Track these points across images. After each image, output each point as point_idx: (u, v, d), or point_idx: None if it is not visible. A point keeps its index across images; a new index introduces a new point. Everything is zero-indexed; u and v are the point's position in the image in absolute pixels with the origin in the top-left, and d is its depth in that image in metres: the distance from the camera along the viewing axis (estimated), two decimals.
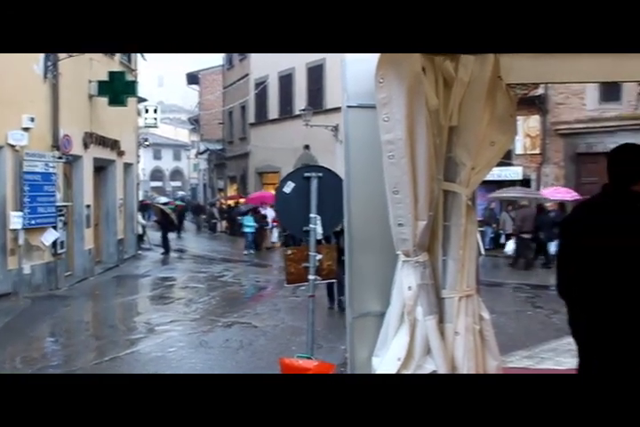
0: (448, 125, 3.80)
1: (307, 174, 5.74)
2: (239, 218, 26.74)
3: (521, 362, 7.29)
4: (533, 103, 21.59)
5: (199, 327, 10.50)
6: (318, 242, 5.90)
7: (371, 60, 3.52)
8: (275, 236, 24.74)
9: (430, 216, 3.67)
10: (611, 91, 20.14)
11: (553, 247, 17.19)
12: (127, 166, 20.99)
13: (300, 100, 27.53)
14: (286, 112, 29.20)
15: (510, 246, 19.11)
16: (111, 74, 16.68)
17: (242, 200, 33.09)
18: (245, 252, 23.22)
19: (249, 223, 23.73)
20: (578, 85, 20.08)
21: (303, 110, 24.82)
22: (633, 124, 19.68)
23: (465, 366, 3.83)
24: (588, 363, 3.70)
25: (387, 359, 3.80)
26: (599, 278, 3.51)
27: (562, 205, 19.32)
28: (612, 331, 3.52)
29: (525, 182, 22.13)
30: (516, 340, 8.35)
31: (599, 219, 3.54)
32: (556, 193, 20.05)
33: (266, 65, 29.47)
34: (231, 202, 34.38)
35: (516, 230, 18.82)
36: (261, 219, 24.33)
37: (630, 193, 3.51)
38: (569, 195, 19.70)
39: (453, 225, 3.81)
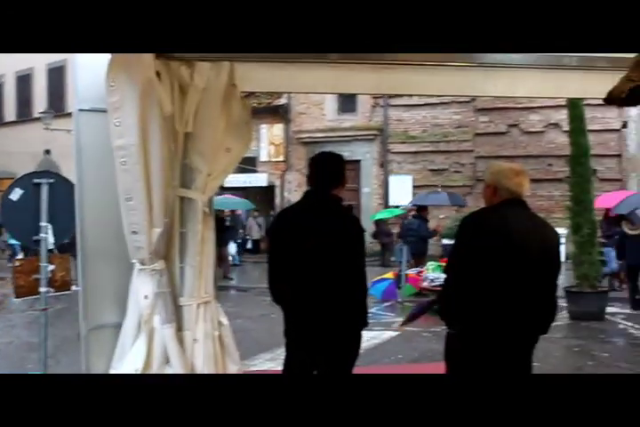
0: (184, 131, 3.78)
1: (36, 180, 5.42)
2: None
3: (264, 365, 7.46)
4: (277, 112, 22.33)
5: None
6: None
7: (104, 62, 3.41)
8: None
9: (166, 223, 3.63)
10: (347, 102, 21.40)
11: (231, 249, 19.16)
12: None
13: (40, 103, 26.14)
14: (25, 114, 27.59)
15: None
16: None
17: None
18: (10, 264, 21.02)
19: None
20: (318, 96, 21.08)
21: (43, 113, 23.54)
22: (366, 134, 21.11)
23: (205, 373, 3.83)
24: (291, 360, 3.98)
25: (124, 371, 3.69)
26: (302, 277, 3.78)
27: (233, 211, 20.24)
28: (309, 327, 3.82)
29: (270, 189, 22.78)
30: (260, 343, 8.52)
31: (303, 220, 3.83)
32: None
33: (1, 64, 27.56)
34: None
35: None
36: None
37: (332, 196, 3.86)
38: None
39: (190, 232, 3.79)
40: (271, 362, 7.53)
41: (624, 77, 3.05)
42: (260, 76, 4.05)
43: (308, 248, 3.72)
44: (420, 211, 15.41)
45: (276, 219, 4.14)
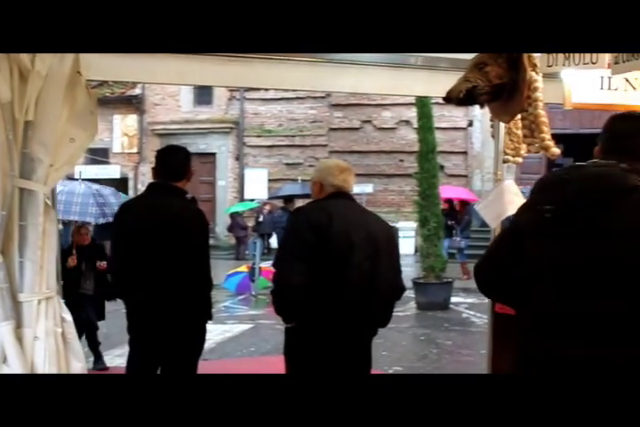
0: (24, 120, 3.60)
1: None
2: None
3: (114, 361, 7.28)
4: (131, 102, 21.80)
5: None
6: None
7: None
8: None
9: (3, 216, 3.46)
10: (203, 94, 21.18)
11: None
12: None
13: None
14: None
15: None
16: None
17: None
18: None
19: None
20: (174, 87, 20.73)
21: None
22: (222, 127, 20.99)
23: (47, 371, 3.69)
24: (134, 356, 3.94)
25: None
26: (144, 270, 3.75)
27: None
28: (151, 322, 3.80)
29: (123, 181, 22.18)
30: (110, 339, 8.29)
31: (145, 213, 3.82)
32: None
33: None
34: None
35: None
36: None
37: (175, 189, 3.86)
38: None
39: (30, 225, 3.62)
40: (121, 358, 7.34)
41: (462, 78, 3.21)
42: (109, 64, 3.95)
43: (150, 241, 3.67)
44: (287, 202, 15.68)
45: (118, 211, 4.06)
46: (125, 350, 7.65)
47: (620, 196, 2.17)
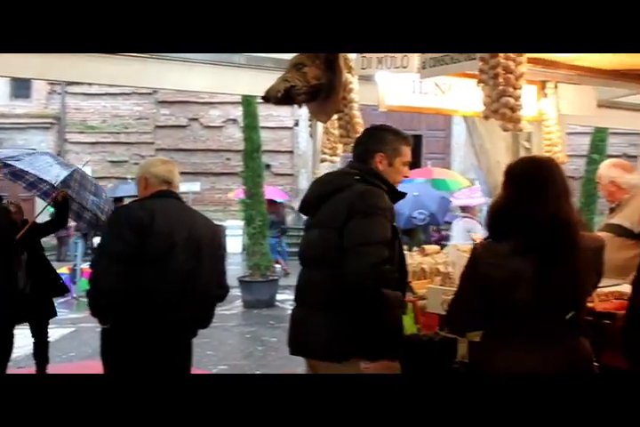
0: None
1: None
2: None
3: None
4: None
5: None
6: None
7: None
8: None
9: None
10: (21, 87, 20.11)
11: None
12: None
13: None
14: None
15: None
16: None
17: None
18: None
19: None
20: None
21: None
22: (42, 122, 20.05)
23: None
24: None
25: None
26: None
27: None
28: None
29: None
30: None
31: None
32: None
33: None
34: None
35: None
36: None
37: None
38: None
39: None
40: None
41: (281, 78, 3.27)
42: None
43: None
44: (117, 202, 15.28)
45: None
46: None
47: (330, 195, 2.91)
